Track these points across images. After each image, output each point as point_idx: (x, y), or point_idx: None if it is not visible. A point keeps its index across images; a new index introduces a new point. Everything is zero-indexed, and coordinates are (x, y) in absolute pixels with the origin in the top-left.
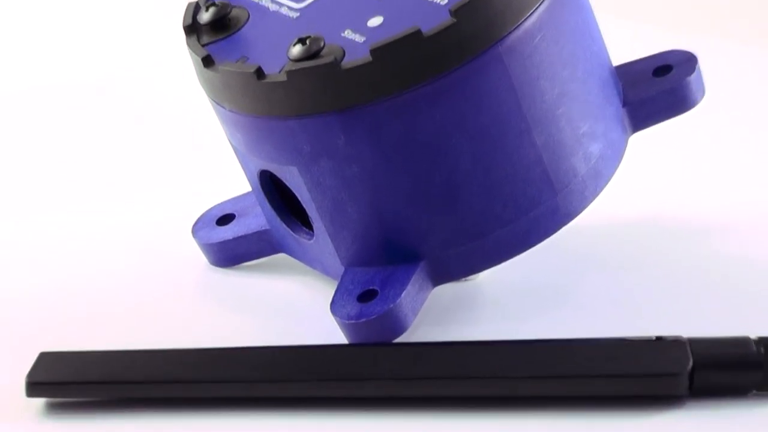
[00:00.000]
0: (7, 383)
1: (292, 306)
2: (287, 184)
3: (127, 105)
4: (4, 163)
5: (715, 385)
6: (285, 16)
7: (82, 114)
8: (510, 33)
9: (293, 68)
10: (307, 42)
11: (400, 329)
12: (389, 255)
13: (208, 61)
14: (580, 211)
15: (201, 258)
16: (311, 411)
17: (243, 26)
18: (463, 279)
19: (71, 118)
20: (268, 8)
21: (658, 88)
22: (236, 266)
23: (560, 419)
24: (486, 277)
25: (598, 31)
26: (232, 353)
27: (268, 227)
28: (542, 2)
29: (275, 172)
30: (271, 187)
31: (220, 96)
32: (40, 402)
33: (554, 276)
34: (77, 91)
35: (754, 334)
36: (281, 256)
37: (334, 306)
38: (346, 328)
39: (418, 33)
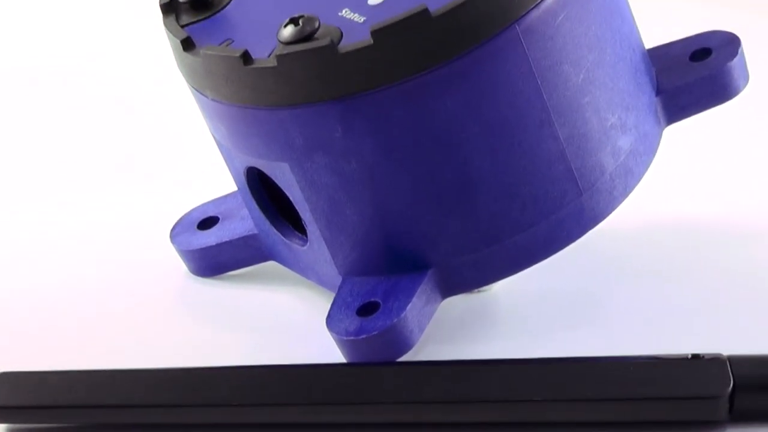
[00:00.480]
0: None
1: (283, 320)
2: (277, 182)
3: (96, 94)
4: None
5: (757, 409)
6: None
7: (48, 108)
8: (529, 12)
9: (284, 52)
10: (300, 22)
11: (405, 347)
12: (393, 263)
13: (188, 44)
14: (608, 214)
15: (180, 266)
16: None
17: (227, 4)
18: (477, 290)
19: (37, 114)
20: None
21: (696, 74)
22: (220, 275)
23: None
24: (502, 287)
25: (629, 9)
26: (215, 373)
27: (255, 232)
28: None
29: (264, 170)
30: (260, 186)
31: (201, 83)
32: None
33: (579, 286)
34: (41, 84)
35: None
36: (271, 264)
37: (331, 320)
38: (344, 346)
39: (425, 12)
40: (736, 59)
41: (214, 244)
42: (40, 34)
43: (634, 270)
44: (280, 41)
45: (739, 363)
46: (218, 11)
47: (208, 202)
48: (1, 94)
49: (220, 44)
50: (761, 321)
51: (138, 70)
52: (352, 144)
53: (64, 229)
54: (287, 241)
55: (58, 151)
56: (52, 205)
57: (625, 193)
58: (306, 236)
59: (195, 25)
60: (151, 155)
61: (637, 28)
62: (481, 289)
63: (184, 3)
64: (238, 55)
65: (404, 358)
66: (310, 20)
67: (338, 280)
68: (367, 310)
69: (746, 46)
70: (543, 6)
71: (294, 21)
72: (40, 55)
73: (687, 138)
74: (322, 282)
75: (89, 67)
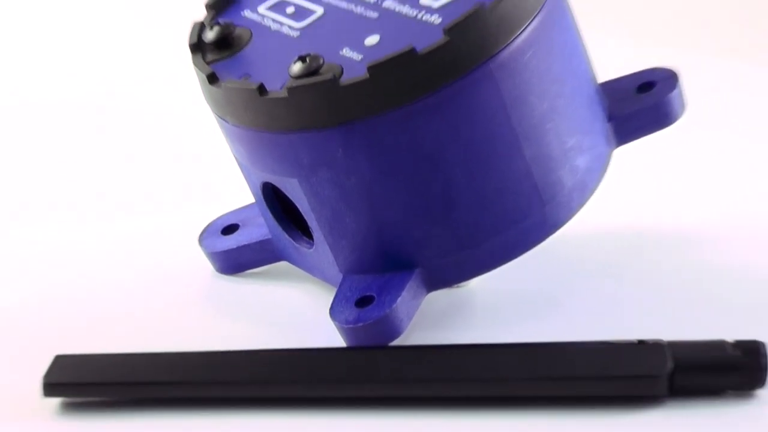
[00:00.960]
0: (26, 384)
1: (294, 311)
2: (288, 195)
3: (138, 122)
4: (21, 174)
5: (693, 386)
6: (286, 36)
7: (97, 127)
8: (501, 51)
9: (294, 85)
10: (307, 60)
11: (396, 333)
12: (385, 263)
13: (212, 79)
14: (567, 221)
15: (207, 266)
16: (312, 411)
17: (246, 45)
18: (456, 285)
19: (85, 131)
20: (269, 28)
21: (642, 104)
22: (240, 273)
23: (547, 417)
24: (478, 283)
25: (585, 49)
26: (237, 356)
27: (270, 237)
28: (532, 22)
29: (277, 184)
30: (273, 198)
31: (224, 111)
32: (55, 401)
33: (542, 283)
34: (90, 105)
35: (730, 337)
36: (283, 264)
37: (333, 311)
38: (345, 332)
39: (412, 51)
40: (675, 91)
41: (235, 247)
42: (83, 60)
43: (589, 270)
44: (290, 76)
45: (677, 347)
46: (238, 51)
47: (230, 212)
48: (45, 115)
49: (240, 78)
50: (695, 312)
51: (171, 102)
52: (351, 163)
53: (112, 235)
54: (296, 245)
55: (118, 173)
56: (105, 217)
57: (581, 204)
58: (312, 240)
59: (219, 63)
60: (183, 174)
61: (591, 65)
62: (460, 284)
63: (209, 44)
64: (255, 87)
65: (395, 343)
66: (315, 58)
67: (339, 277)
68: (363, 302)
69: (684, 80)
70: (513, 46)
71: (302, 59)
72: (86, 80)
73: (632, 158)
74: (326, 279)
75: (136, 100)
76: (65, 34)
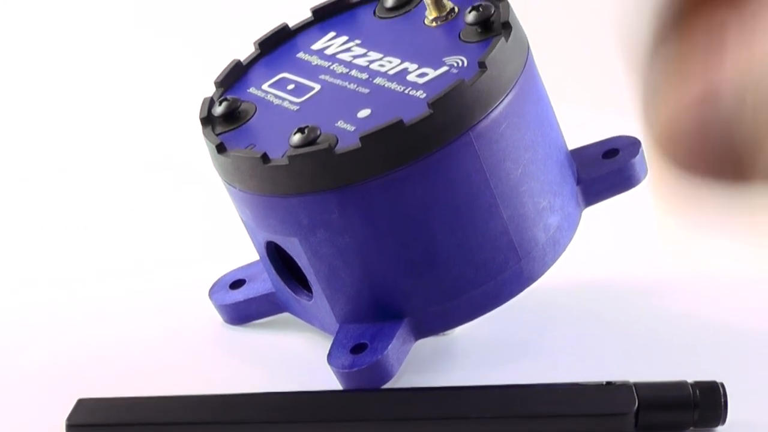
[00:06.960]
0: (50, 426)
1: (295, 358)
2: (289, 252)
3: (158, 190)
4: (43, 234)
5: (657, 423)
6: (286, 110)
7: (125, 194)
8: (479, 122)
9: (294, 153)
10: (306, 131)
11: (387, 377)
12: (377, 313)
13: (221, 148)
14: (541, 275)
15: (217, 317)
16: None
17: (251, 118)
18: (442, 333)
19: (114, 197)
20: (272, 102)
21: (607, 168)
22: (247, 324)
23: None
24: (460, 331)
25: (555, 119)
26: (245, 399)
27: (273, 290)
28: (507, 96)
29: (279, 243)
30: (276, 255)
31: (231, 178)
32: None
33: (518, 331)
34: (118, 173)
35: (690, 378)
36: (285, 315)
37: (331, 357)
38: (341, 377)
39: (400, 123)
40: (638, 157)
41: (242, 300)
42: (109, 130)
43: (561, 318)
44: (290, 145)
45: (642, 387)
46: (244, 123)
47: (238, 268)
48: (70, 181)
49: (245, 148)
50: (658, 355)
51: (185, 170)
52: (345, 223)
53: (131, 290)
54: (297, 297)
55: (136, 235)
56: (123, 273)
57: (554, 259)
58: (311, 293)
59: (226, 134)
60: (195, 235)
61: (561, 133)
62: (445, 332)
63: (218, 117)
64: (259, 156)
65: (386, 385)
66: (313, 129)
67: (336, 326)
68: (358, 349)
69: (646, 147)
70: (490, 117)
71: (301, 130)
72: (112, 150)
73: (599, 218)
74: (324, 328)
75: (153, 168)
76: (93, 106)
